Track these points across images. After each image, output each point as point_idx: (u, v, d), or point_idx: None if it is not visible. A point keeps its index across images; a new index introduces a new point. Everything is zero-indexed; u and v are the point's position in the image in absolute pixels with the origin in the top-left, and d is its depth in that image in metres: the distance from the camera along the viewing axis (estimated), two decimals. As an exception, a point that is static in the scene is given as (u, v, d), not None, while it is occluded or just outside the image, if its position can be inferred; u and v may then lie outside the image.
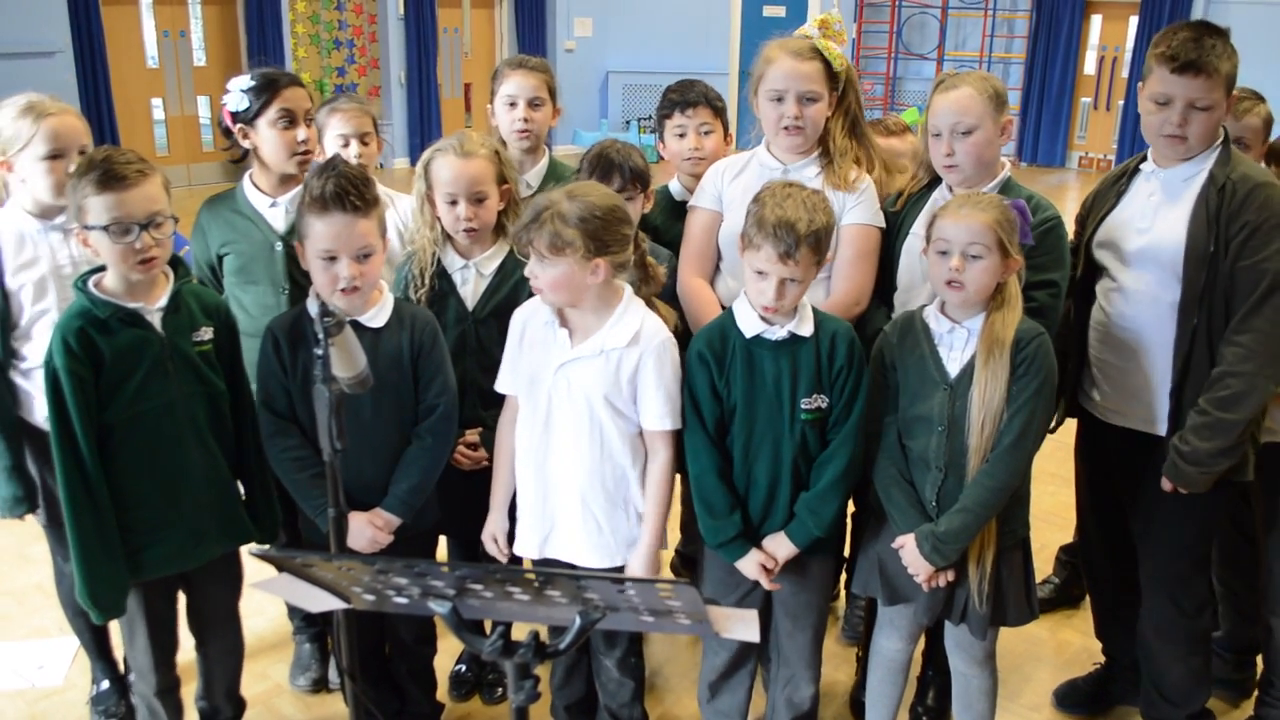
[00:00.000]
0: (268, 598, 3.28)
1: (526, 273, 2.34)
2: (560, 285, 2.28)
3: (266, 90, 2.70)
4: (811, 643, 2.53)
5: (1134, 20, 12.38)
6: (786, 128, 2.62)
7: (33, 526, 2.70)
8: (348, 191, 2.31)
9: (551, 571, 1.46)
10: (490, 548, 2.54)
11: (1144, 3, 12.04)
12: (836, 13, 2.75)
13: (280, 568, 1.42)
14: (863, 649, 2.98)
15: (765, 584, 2.42)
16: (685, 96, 3.08)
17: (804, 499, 2.38)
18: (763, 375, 2.35)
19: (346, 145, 3.02)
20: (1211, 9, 11.44)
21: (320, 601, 1.64)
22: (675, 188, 3.11)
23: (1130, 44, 12.53)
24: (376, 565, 1.44)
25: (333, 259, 2.35)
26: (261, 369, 2.47)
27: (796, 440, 2.35)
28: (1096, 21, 12.99)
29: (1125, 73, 12.59)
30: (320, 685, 3.09)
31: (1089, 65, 13.12)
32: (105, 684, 2.95)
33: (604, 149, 2.81)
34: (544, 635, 1.60)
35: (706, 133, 3.06)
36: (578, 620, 1.53)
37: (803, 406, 2.34)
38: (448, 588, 1.50)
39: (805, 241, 2.23)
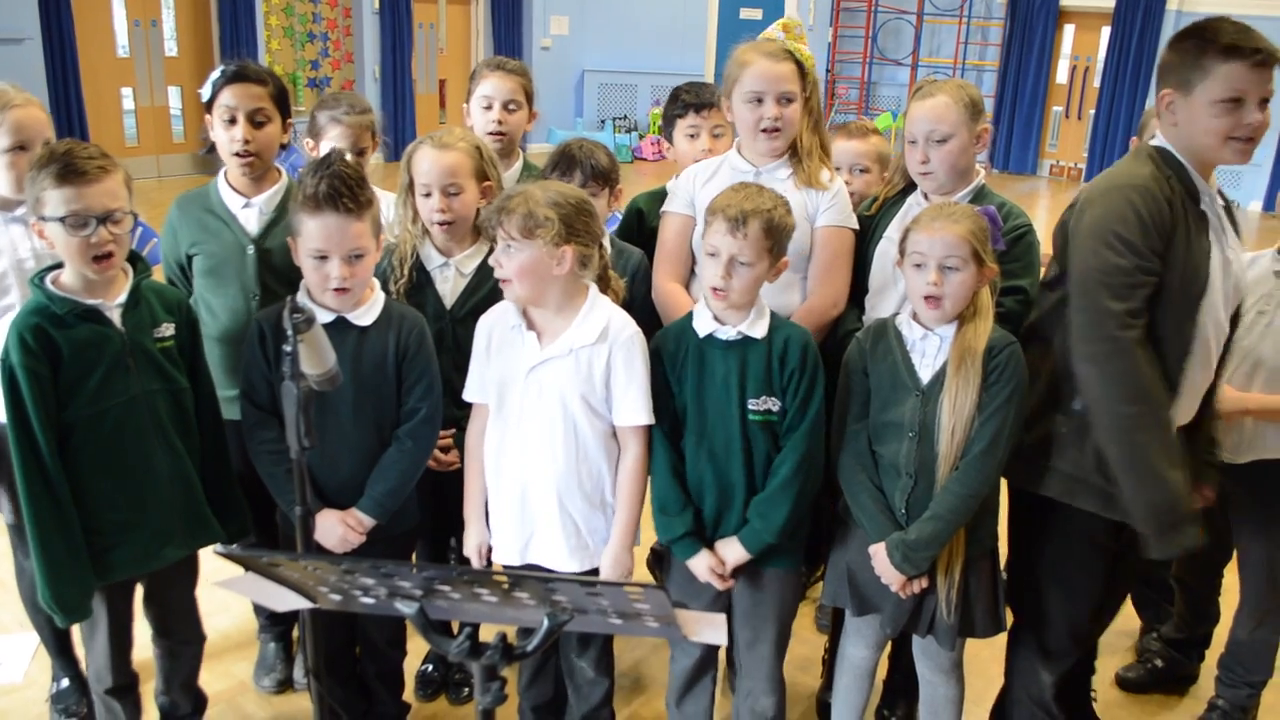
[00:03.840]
0: (233, 595, 3.24)
1: (491, 262, 2.33)
2: (527, 273, 2.26)
3: (219, 81, 2.65)
4: (772, 656, 2.51)
5: (1106, 31, 12.53)
6: (766, 129, 2.62)
7: (-8, 522, 2.66)
8: (341, 192, 2.29)
9: (519, 574, 1.45)
10: (474, 560, 2.52)
11: (1116, 14, 12.18)
12: (796, 16, 2.77)
13: (246, 567, 1.41)
14: (829, 651, 2.99)
15: (718, 584, 2.41)
16: (700, 97, 3.08)
17: (754, 503, 2.37)
18: (712, 374, 2.35)
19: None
20: (1182, 21, 11.56)
21: (286, 601, 1.63)
22: (671, 188, 3.09)
23: (1102, 54, 12.67)
24: (343, 565, 1.42)
25: (324, 258, 2.33)
26: (246, 360, 2.45)
27: (745, 442, 2.34)
28: (1069, 31, 13.13)
29: (1097, 82, 12.74)
30: (284, 686, 3.05)
31: (1061, 74, 13.26)
32: (65, 682, 2.91)
33: (568, 146, 2.79)
34: (511, 637, 1.59)
35: (719, 135, 3.07)
36: (546, 622, 1.52)
37: (750, 407, 2.33)
38: (415, 589, 1.48)
39: (756, 218, 2.25)
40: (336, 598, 1.60)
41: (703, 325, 2.36)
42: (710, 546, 2.40)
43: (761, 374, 2.33)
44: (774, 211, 2.29)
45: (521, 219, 2.23)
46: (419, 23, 12.12)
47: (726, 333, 2.34)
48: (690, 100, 3.10)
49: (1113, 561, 2.43)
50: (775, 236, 2.29)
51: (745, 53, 2.65)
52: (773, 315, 2.38)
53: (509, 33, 12.73)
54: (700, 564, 2.40)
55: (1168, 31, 11.78)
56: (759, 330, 2.34)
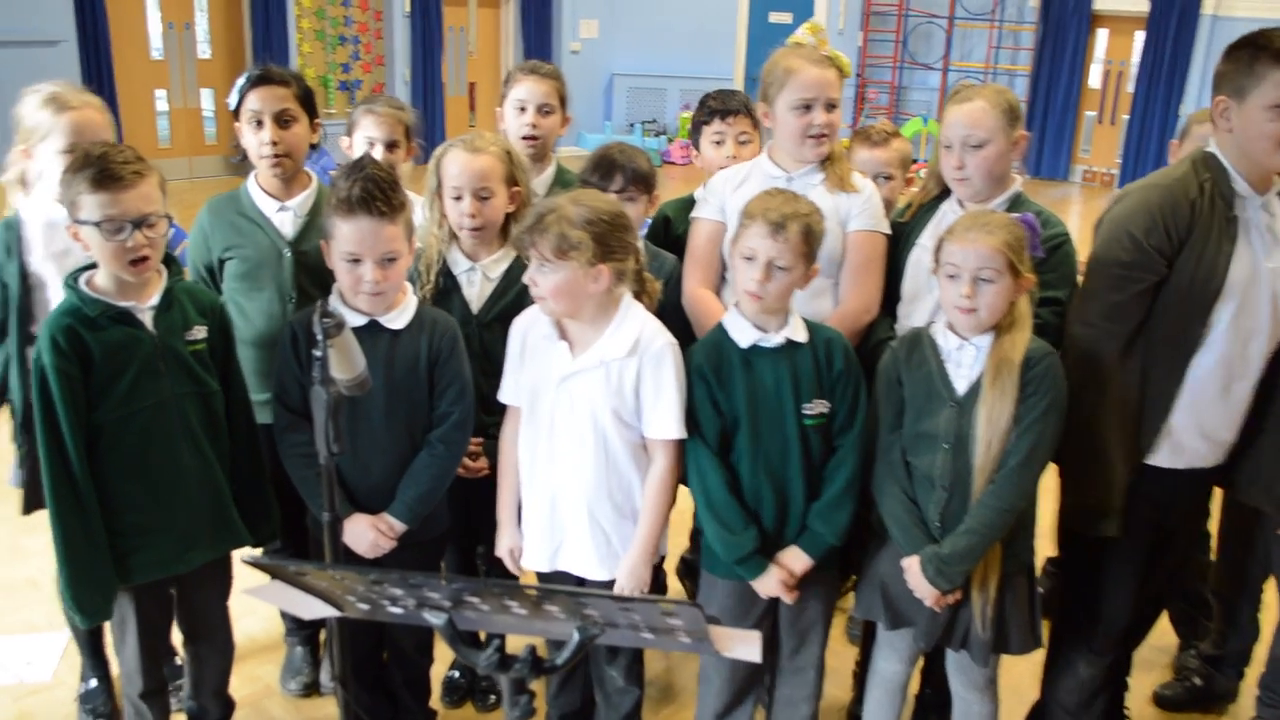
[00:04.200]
0: (259, 600, 3.25)
1: (525, 279, 2.31)
2: (562, 292, 2.25)
3: (244, 87, 2.66)
4: (816, 662, 2.50)
5: (1140, 35, 12.36)
6: (815, 135, 2.60)
7: (27, 519, 2.66)
8: (374, 196, 2.29)
9: (550, 588, 1.43)
10: (508, 564, 2.51)
11: (1150, 17, 12.03)
12: (824, 20, 2.75)
13: (273, 575, 1.39)
14: (860, 664, 2.95)
15: (787, 599, 2.38)
16: (727, 104, 3.07)
17: (815, 508, 2.35)
18: (763, 384, 2.32)
19: (372, 147, 2.97)
20: (1217, 26, 11.45)
21: (314, 609, 1.61)
22: (701, 195, 3.08)
23: (1136, 59, 12.51)
24: (371, 576, 1.40)
25: (357, 261, 2.32)
26: (279, 363, 2.45)
27: (802, 447, 2.32)
28: (1102, 35, 12.97)
29: (1130, 87, 12.57)
30: (311, 689, 3.05)
31: (1094, 79, 13.10)
32: (94, 682, 2.91)
33: (607, 150, 2.79)
34: (541, 649, 1.57)
35: (744, 142, 3.06)
36: (576, 636, 1.50)
37: (805, 412, 2.31)
38: (444, 599, 1.47)
39: (795, 221, 2.23)
40: (364, 607, 1.58)
41: (743, 335, 2.33)
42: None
43: (811, 377, 2.32)
44: (811, 217, 2.28)
45: (555, 240, 2.20)
46: (449, 26, 12.14)
47: (771, 340, 2.31)
48: (716, 107, 3.09)
49: (1154, 542, 2.49)
50: (812, 242, 2.28)
51: (790, 59, 2.62)
52: (804, 320, 2.36)
53: (539, 36, 12.72)
54: (771, 580, 2.36)
55: (1203, 35, 11.64)
56: (801, 334, 2.33)
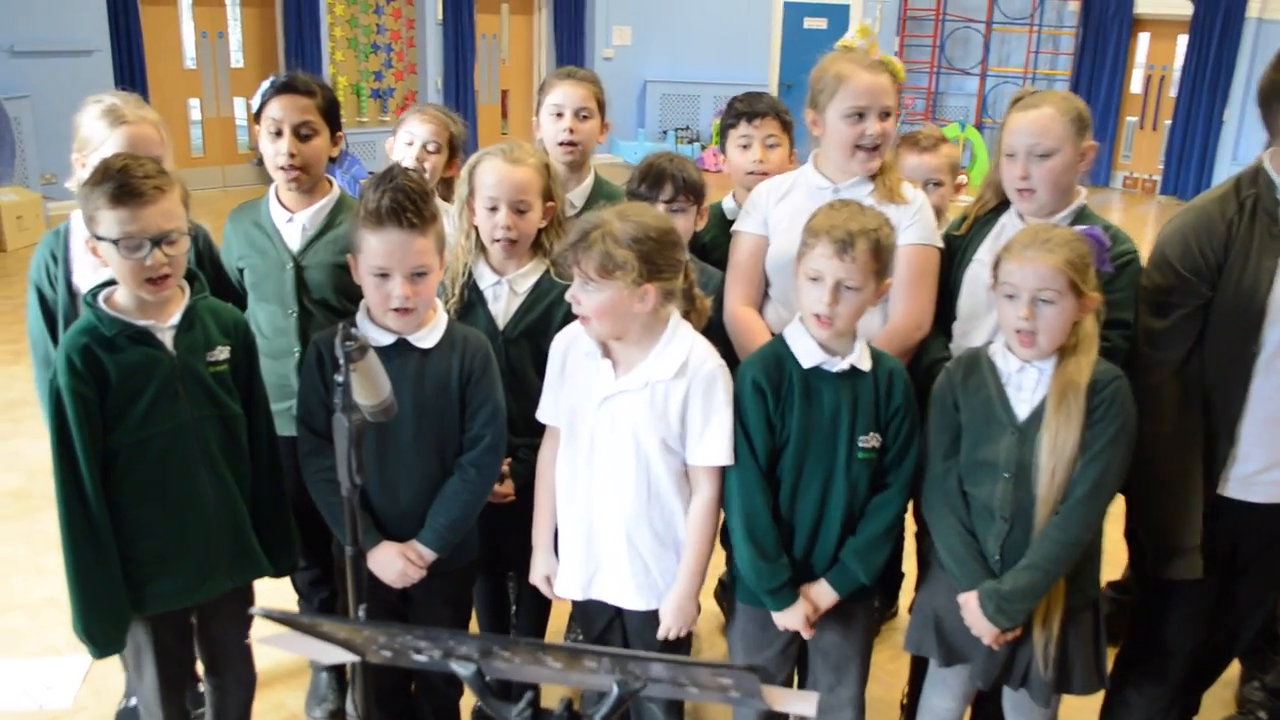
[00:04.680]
0: (285, 621, 3.16)
1: (569, 297, 2.19)
2: (606, 312, 2.13)
3: (267, 93, 2.58)
4: (854, 700, 2.35)
5: (1183, 39, 12.12)
6: (865, 147, 2.47)
7: (48, 537, 2.58)
8: (404, 207, 2.18)
9: (589, 648, 1.31)
10: (543, 588, 2.40)
11: (1194, 21, 11.79)
12: (868, 20, 2.61)
13: (288, 625, 1.28)
14: (908, 697, 2.82)
15: (805, 633, 2.25)
16: (753, 107, 2.94)
17: (852, 545, 2.22)
18: (821, 409, 2.18)
19: (410, 145, 2.92)
20: (1263, 29, 11.20)
21: (333, 655, 1.51)
22: (729, 205, 2.97)
23: (1179, 63, 12.27)
24: (393, 631, 1.29)
25: (385, 276, 2.22)
26: (303, 385, 2.36)
27: (848, 480, 2.20)
28: (1144, 40, 12.74)
29: (1173, 92, 12.34)
30: (337, 717, 2.94)
31: (1135, 84, 12.87)
32: (134, 700, 2.81)
33: (656, 159, 2.69)
34: (576, 700, 1.46)
35: (772, 146, 2.93)
36: (615, 690, 1.39)
37: (860, 445, 2.18)
38: (472, 651, 1.35)
39: (863, 238, 2.09)
40: (387, 654, 1.47)
41: (807, 356, 2.19)
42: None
43: (870, 409, 2.19)
44: (880, 231, 2.14)
45: (599, 258, 2.09)
46: (481, 34, 12.10)
47: (836, 364, 2.18)
48: (742, 109, 2.97)
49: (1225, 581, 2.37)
50: (883, 258, 2.14)
51: (841, 64, 2.49)
52: (871, 346, 2.24)
53: (571, 43, 12.65)
54: (796, 614, 2.23)
55: (1248, 40, 11.39)
56: (866, 363, 2.20)
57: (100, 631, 2.15)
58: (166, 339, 2.14)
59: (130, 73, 9.15)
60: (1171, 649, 2.42)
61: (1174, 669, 2.43)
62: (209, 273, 2.33)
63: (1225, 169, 11.71)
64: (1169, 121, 12.37)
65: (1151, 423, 2.20)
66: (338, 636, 1.35)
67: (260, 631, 1.47)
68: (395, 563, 2.31)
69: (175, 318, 2.15)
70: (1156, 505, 2.29)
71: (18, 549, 3.71)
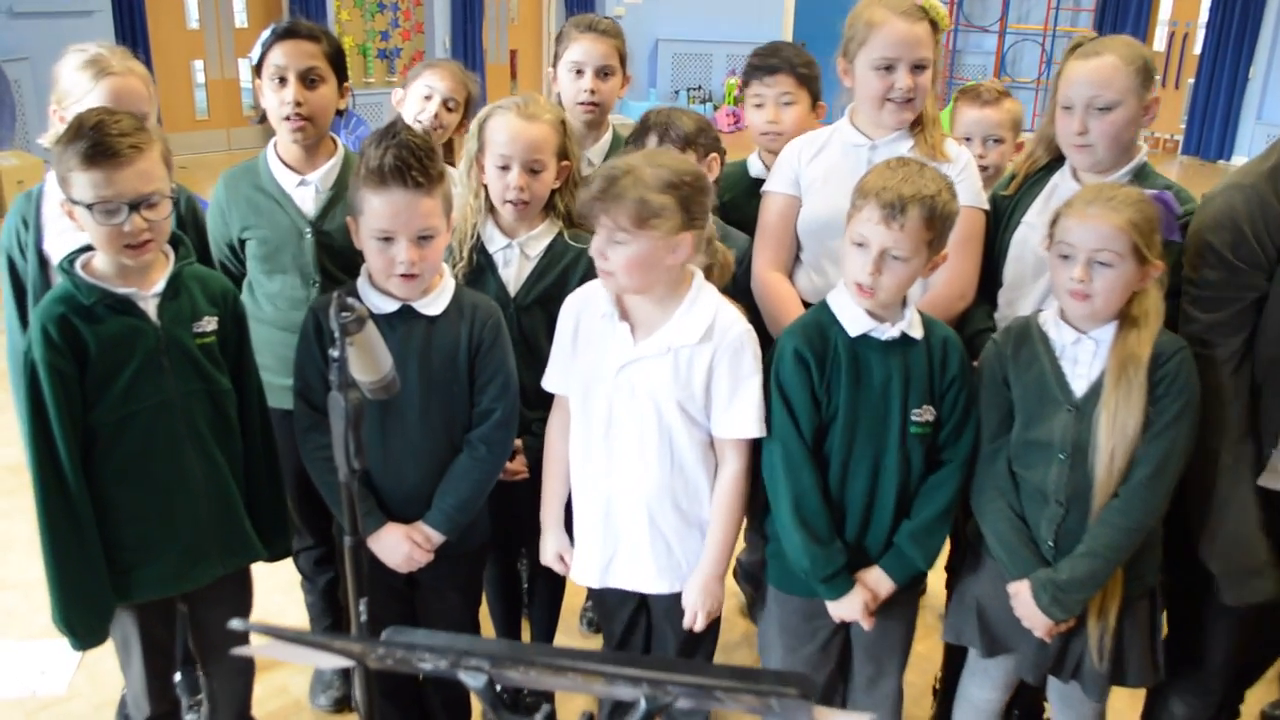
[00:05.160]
0: (289, 601, 3.03)
1: (594, 253, 2.01)
2: (638, 266, 1.96)
3: (268, 40, 2.39)
4: (896, 692, 2.21)
5: (1209, -6, 11.82)
6: (896, 100, 2.28)
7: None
8: (409, 165, 2.01)
9: (615, 669, 1.15)
10: (556, 567, 2.25)
11: (1221, -23, 11.48)
12: None
13: (274, 636, 1.14)
14: (941, 682, 2.68)
15: (866, 624, 2.09)
16: (766, 62, 2.72)
17: (907, 529, 2.06)
18: (870, 380, 2.01)
19: (429, 99, 2.75)
20: (1289, -15, 10.89)
21: (333, 661, 1.36)
22: (755, 165, 2.77)
23: (1203, 19, 11.97)
24: (382, 645, 1.14)
25: (389, 240, 2.05)
26: (300, 355, 2.20)
27: (901, 457, 2.03)
28: (1169, -6, 12.44)
29: (1197, 49, 12.03)
30: (343, 705, 2.80)
31: (1159, 41, 12.55)
32: None
33: (649, 113, 2.53)
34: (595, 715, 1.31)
35: (787, 103, 2.71)
36: (643, 704, 1.24)
37: (913, 418, 2.01)
38: (483, 663, 1.20)
39: (916, 204, 1.89)
40: (390, 662, 1.32)
41: (854, 323, 2.01)
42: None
43: (924, 380, 2.01)
44: (938, 197, 1.93)
45: (635, 207, 1.92)
46: (490, -8, 11.85)
47: (885, 331, 2.00)
48: (755, 64, 2.75)
49: None
50: (938, 227, 1.94)
51: (874, 9, 2.29)
52: (922, 313, 2.07)
53: (581, 1, 12.38)
54: (855, 603, 2.07)
55: (1275, -4, 11.08)
56: (918, 330, 2.02)
57: (81, 622, 2.01)
58: (150, 308, 1.98)
59: (132, 33, 8.93)
60: (1218, 665, 2.22)
61: (1218, 684, 2.25)
62: (194, 238, 2.16)
63: (1249, 129, 11.47)
64: (1192, 80, 12.07)
65: (1209, 432, 2.00)
66: (332, 647, 1.20)
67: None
68: (401, 546, 2.16)
69: (159, 285, 1.99)
70: (1218, 524, 2.06)
71: (16, 525, 3.57)
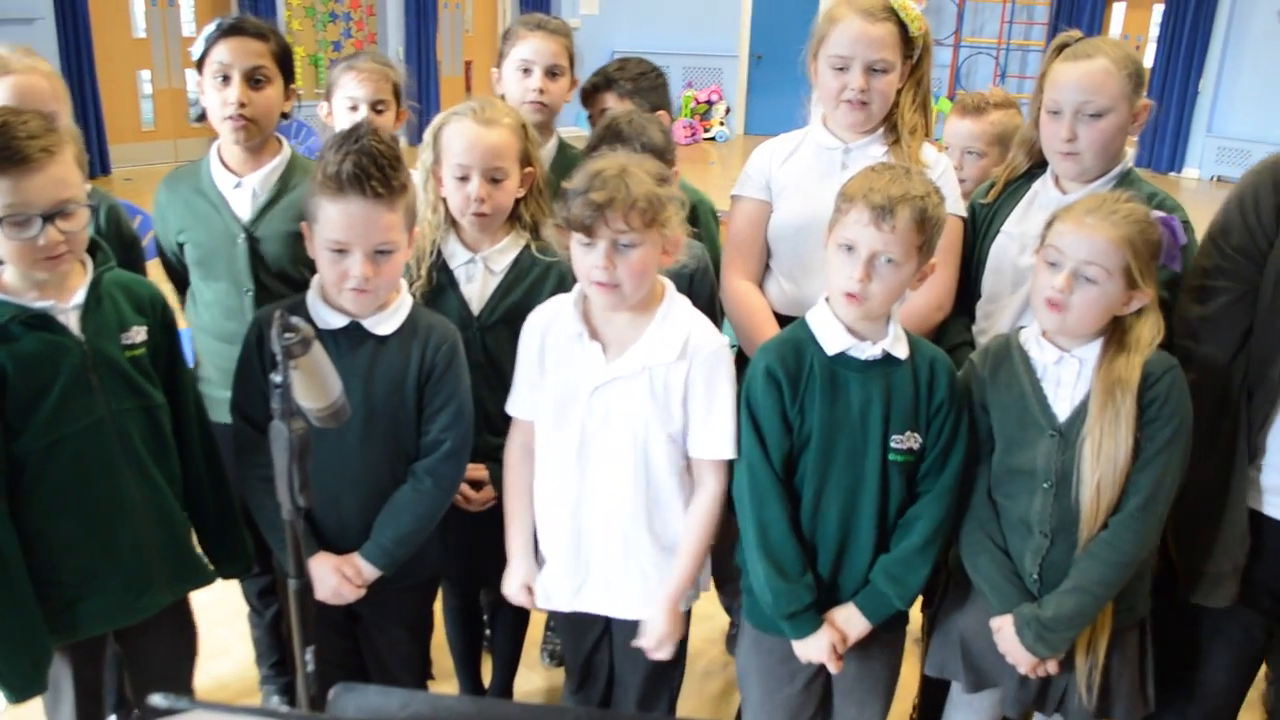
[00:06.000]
0: (234, 636, 2.89)
1: (592, 266, 1.89)
2: (643, 270, 1.87)
3: (212, 35, 2.27)
4: None
5: (1159, 9, 11.95)
6: (848, 101, 2.20)
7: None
8: (369, 174, 1.87)
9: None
10: (522, 598, 2.12)
11: (1171, -9, 11.61)
12: None
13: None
14: (918, 710, 2.60)
15: (833, 667, 1.97)
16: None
17: (884, 564, 1.93)
18: (847, 403, 1.88)
19: (355, 110, 2.56)
20: (1239, 1, 11.02)
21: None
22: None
23: (1154, 33, 12.09)
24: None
25: (343, 252, 1.91)
26: (239, 368, 2.05)
27: (880, 487, 1.90)
28: (1119, 10, 12.57)
29: (1148, 63, 12.15)
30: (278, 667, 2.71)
31: (1111, 54, 12.69)
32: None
33: (616, 119, 2.41)
34: None
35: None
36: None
37: (894, 445, 1.88)
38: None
39: (905, 205, 1.79)
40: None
41: (831, 341, 1.89)
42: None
43: (908, 404, 1.89)
44: (927, 199, 1.83)
45: (645, 205, 1.82)
46: (444, 2, 11.70)
47: (865, 350, 1.88)
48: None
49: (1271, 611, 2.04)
50: (928, 231, 1.84)
51: (839, 6, 2.22)
52: (908, 332, 1.96)
53: (536, 11, 12.30)
54: (820, 644, 1.94)
55: (1224, 9, 11.20)
56: (902, 350, 1.90)
57: (14, 672, 1.83)
58: (71, 322, 1.82)
59: (76, 42, 8.69)
60: (1204, 685, 2.12)
61: (1206, 705, 2.14)
62: (118, 253, 2.01)
63: (1200, 142, 11.61)
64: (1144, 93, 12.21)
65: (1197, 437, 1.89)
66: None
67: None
68: (329, 579, 2.02)
69: (79, 295, 1.83)
70: (1188, 522, 1.97)
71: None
